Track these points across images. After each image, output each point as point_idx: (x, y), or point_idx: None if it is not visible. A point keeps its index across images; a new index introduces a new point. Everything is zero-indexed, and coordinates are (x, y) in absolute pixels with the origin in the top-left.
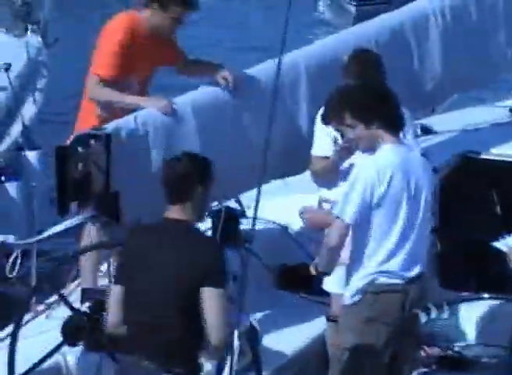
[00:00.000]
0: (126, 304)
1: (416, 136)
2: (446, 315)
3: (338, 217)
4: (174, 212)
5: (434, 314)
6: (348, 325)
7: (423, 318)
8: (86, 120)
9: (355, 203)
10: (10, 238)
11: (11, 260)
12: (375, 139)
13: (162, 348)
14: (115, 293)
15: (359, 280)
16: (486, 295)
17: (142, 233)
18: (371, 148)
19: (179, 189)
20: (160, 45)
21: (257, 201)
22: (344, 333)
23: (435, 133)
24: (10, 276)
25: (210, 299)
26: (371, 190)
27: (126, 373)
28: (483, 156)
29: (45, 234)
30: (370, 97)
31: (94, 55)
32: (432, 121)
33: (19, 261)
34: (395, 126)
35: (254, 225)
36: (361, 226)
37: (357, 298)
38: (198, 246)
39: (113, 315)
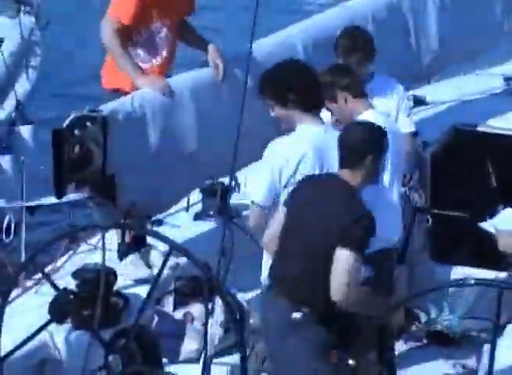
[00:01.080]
0: (280, 240)
1: (410, 109)
2: (445, 315)
3: (252, 202)
4: (344, 174)
5: (434, 313)
6: None
7: (423, 317)
8: (112, 74)
9: (265, 186)
10: (0, 202)
11: (5, 224)
12: (292, 119)
13: (297, 287)
14: (281, 212)
15: None
16: (472, 281)
17: (313, 180)
18: (292, 129)
19: (351, 155)
20: None
21: (233, 178)
22: None
23: (428, 104)
24: (6, 241)
25: (337, 259)
26: (279, 173)
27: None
28: (477, 129)
29: (37, 202)
30: (283, 77)
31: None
32: (425, 91)
33: (13, 225)
34: (311, 105)
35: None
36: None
37: None
38: (351, 210)
39: (273, 229)
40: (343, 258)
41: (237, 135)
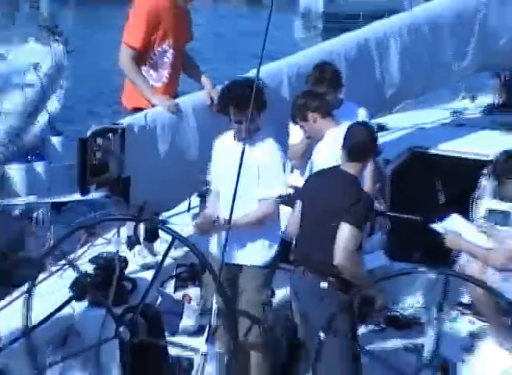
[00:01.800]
0: (302, 222)
1: None
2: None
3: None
4: (347, 166)
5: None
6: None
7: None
8: (132, 96)
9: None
10: (32, 197)
11: (34, 216)
12: (257, 128)
13: (321, 262)
14: (298, 205)
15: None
16: (422, 269)
17: (319, 174)
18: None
19: (357, 152)
20: (180, 19)
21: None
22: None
23: (389, 130)
24: (34, 230)
25: (340, 230)
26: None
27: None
28: (428, 151)
29: (62, 199)
30: (262, 91)
31: (126, 28)
32: (387, 120)
33: (41, 217)
34: None
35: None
36: None
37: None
38: (352, 193)
39: (294, 224)
40: (344, 231)
41: (243, 150)
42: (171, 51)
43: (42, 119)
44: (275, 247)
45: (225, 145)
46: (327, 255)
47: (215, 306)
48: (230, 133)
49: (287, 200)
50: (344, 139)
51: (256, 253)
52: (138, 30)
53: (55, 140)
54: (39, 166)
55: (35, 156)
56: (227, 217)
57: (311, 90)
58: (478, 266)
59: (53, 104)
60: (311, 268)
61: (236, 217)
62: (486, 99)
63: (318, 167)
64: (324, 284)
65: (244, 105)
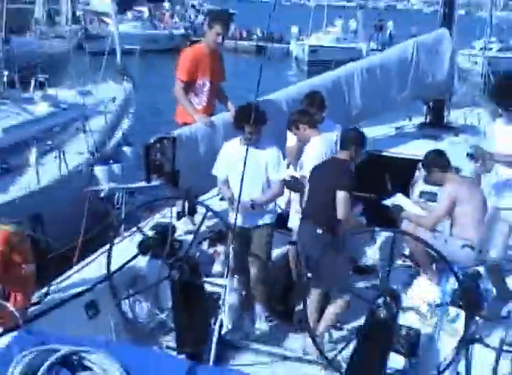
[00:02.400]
0: (308, 193)
1: None
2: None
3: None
4: (342, 154)
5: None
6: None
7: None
8: (182, 115)
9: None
10: (112, 184)
11: (115, 197)
12: (258, 138)
13: (319, 217)
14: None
15: None
16: (377, 229)
17: (320, 164)
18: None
19: (346, 143)
20: (214, 61)
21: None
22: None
23: None
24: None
25: (338, 198)
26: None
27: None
28: (380, 153)
29: (133, 185)
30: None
31: (177, 67)
32: None
33: (121, 199)
34: None
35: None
36: None
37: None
38: (343, 173)
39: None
40: (342, 198)
41: (246, 150)
42: (208, 83)
43: (117, 134)
44: (275, 212)
45: (232, 150)
46: (322, 214)
47: (231, 252)
48: (235, 141)
49: (288, 184)
50: (341, 138)
51: (265, 216)
52: (185, 68)
53: (127, 149)
54: (116, 167)
55: (113, 160)
56: (245, 198)
57: (303, 109)
58: (412, 228)
59: (125, 124)
60: (313, 220)
61: (255, 197)
62: (419, 119)
63: (307, 163)
64: (319, 230)
65: (253, 122)
